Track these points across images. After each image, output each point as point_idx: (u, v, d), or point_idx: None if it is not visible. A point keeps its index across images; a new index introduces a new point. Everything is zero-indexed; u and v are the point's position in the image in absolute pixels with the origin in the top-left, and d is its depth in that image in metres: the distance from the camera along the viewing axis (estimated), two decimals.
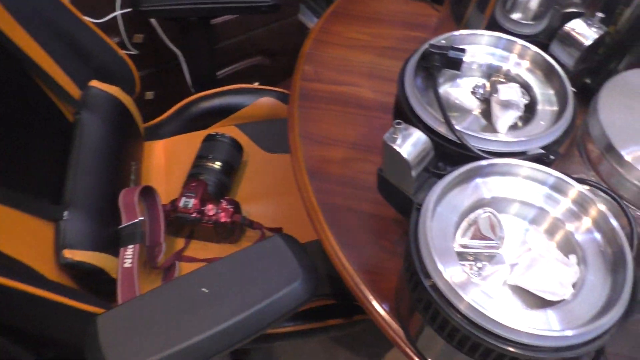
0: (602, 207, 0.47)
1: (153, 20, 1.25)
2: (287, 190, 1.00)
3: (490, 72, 0.63)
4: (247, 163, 1.05)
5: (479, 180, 0.50)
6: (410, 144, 0.47)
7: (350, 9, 0.93)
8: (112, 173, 0.86)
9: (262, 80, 1.61)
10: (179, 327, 0.53)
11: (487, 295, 0.43)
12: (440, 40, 0.62)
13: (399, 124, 0.46)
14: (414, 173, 0.47)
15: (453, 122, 0.54)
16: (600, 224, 0.47)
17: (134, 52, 1.29)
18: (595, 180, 0.52)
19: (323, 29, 0.89)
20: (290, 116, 0.75)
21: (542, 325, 0.41)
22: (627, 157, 0.50)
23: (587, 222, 0.48)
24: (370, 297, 0.57)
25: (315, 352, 1.29)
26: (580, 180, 0.49)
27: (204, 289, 0.56)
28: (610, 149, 0.51)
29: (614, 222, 0.46)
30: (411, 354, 0.54)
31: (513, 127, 0.59)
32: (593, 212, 0.47)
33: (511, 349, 0.40)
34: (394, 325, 0.55)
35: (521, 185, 0.50)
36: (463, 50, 0.59)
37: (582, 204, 0.48)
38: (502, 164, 0.49)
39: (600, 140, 0.52)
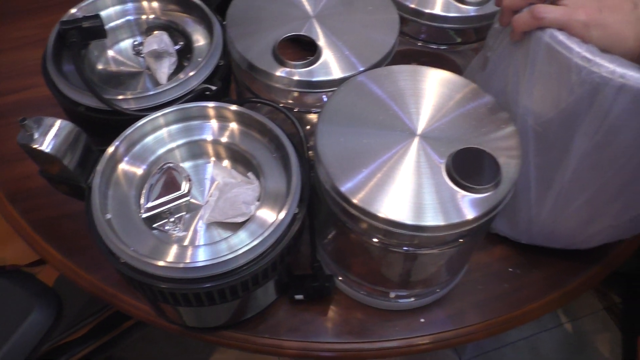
0: (243, 109, 0.49)
1: None
2: None
3: (143, 28, 0.61)
4: None
5: (138, 147, 0.49)
6: (50, 135, 0.44)
7: (10, 5, 0.84)
8: None
9: None
10: None
11: (180, 245, 0.44)
12: (76, 13, 0.58)
13: (23, 120, 0.43)
14: (67, 162, 0.45)
15: (126, 91, 0.53)
16: (262, 131, 0.50)
17: None
18: (252, 96, 0.54)
19: None
20: None
21: (234, 247, 0.42)
22: (269, 70, 0.52)
23: (246, 132, 0.50)
24: (115, 293, 0.55)
25: (164, 350, 1.26)
26: (241, 102, 0.51)
27: None
28: (252, 68, 0.52)
29: (270, 124, 0.48)
30: (167, 324, 0.54)
31: (180, 71, 0.58)
32: (240, 118, 0.50)
33: (196, 286, 0.42)
34: (142, 306, 0.54)
35: (176, 131, 0.50)
36: (97, 17, 0.56)
37: (227, 117, 0.50)
38: (140, 126, 0.49)
39: (243, 62, 0.53)
